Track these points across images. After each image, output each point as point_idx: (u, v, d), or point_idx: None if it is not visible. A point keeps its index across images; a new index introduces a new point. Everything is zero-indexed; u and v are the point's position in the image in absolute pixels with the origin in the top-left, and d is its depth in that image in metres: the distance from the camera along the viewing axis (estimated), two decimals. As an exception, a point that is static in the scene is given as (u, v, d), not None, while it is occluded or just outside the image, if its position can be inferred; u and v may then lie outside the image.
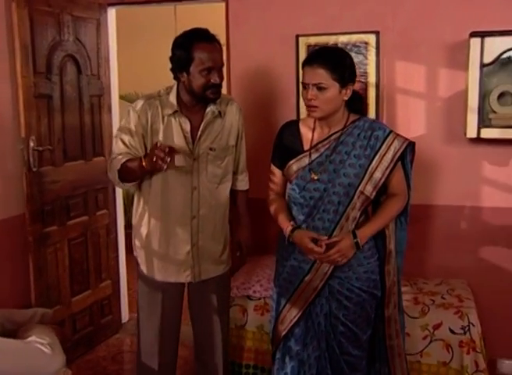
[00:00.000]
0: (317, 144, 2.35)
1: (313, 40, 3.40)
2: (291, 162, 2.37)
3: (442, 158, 3.32)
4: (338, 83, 2.25)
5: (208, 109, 2.58)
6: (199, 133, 2.57)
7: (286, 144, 2.41)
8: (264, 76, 3.55)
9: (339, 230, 2.32)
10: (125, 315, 4.22)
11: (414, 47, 3.29)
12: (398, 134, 2.35)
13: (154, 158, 2.26)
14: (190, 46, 2.43)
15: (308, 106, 2.27)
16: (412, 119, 3.36)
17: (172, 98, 2.55)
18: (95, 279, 3.82)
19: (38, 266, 3.33)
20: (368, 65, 3.35)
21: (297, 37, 3.41)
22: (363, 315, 2.40)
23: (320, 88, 2.22)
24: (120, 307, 4.14)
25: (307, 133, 2.38)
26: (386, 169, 2.31)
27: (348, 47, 3.35)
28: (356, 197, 2.30)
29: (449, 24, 3.21)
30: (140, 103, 2.56)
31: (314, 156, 2.33)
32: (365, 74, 3.36)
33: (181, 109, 2.55)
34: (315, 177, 2.31)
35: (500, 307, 3.32)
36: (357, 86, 3.35)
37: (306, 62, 2.28)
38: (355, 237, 2.30)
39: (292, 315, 2.44)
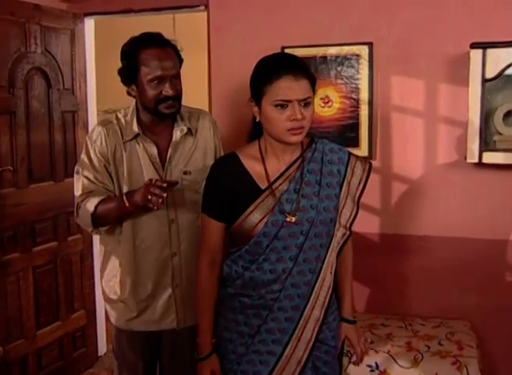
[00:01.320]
0: (278, 177, 1.84)
1: (299, 52, 3.07)
2: (251, 208, 1.80)
3: (441, 184, 2.97)
4: (313, 96, 1.82)
5: (176, 127, 2.24)
6: (168, 155, 2.23)
7: (230, 186, 1.84)
8: (248, 91, 3.23)
9: (321, 281, 1.85)
10: (102, 347, 3.91)
11: (412, 60, 2.96)
12: (356, 155, 1.97)
13: (149, 197, 1.95)
14: (136, 53, 2.11)
15: (293, 129, 1.74)
16: (409, 141, 3.01)
17: (132, 120, 2.22)
18: (66, 309, 3.53)
19: (-4, 298, 3.06)
20: (359, 80, 3.02)
21: (283, 49, 3.09)
22: None
23: (306, 104, 1.75)
24: (97, 338, 3.84)
25: (255, 167, 1.85)
26: (354, 196, 1.92)
27: (338, 60, 3.04)
28: (335, 235, 1.88)
29: (450, 34, 2.87)
30: (96, 131, 2.23)
31: (279, 193, 1.81)
32: (357, 90, 3.03)
33: (144, 131, 2.21)
34: (292, 220, 1.79)
35: (510, 354, 2.94)
36: (348, 103, 3.08)
37: (283, 72, 1.72)
38: (344, 319, 2.01)
39: None
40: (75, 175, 2.25)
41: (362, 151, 3.04)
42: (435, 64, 2.92)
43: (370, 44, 2.98)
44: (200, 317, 1.93)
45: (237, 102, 3.26)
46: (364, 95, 3.02)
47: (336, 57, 3.04)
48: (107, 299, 2.36)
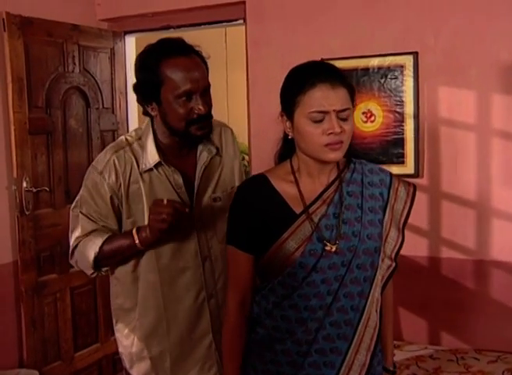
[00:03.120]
0: (314, 200, 1.61)
1: (340, 64, 2.85)
2: (285, 235, 1.57)
3: (496, 204, 2.72)
4: (353, 109, 1.58)
5: (202, 148, 1.89)
6: (196, 183, 1.88)
7: (260, 210, 1.61)
8: (287, 107, 3.10)
9: (365, 321, 1.59)
10: (144, 369, 3.84)
11: (461, 69, 2.75)
12: (398, 177, 1.73)
13: (163, 216, 1.67)
14: (157, 64, 1.75)
15: (331, 144, 1.53)
16: (460, 157, 2.79)
17: (150, 145, 1.84)
18: (105, 331, 3.47)
19: (32, 319, 3.03)
20: (404, 92, 2.83)
21: (322, 61, 2.94)
22: None
23: (345, 117, 1.54)
24: (138, 361, 3.76)
25: (288, 189, 1.62)
26: (399, 223, 1.68)
27: (381, 71, 2.86)
28: (379, 267, 1.63)
29: (503, 41, 2.66)
30: (103, 160, 1.85)
31: (316, 218, 1.59)
32: (401, 103, 2.84)
33: (165, 157, 1.85)
34: (333, 249, 1.56)
35: None
36: (392, 117, 2.88)
37: (318, 80, 1.52)
38: (387, 370, 1.74)
39: None
40: (71, 212, 1.88)
41: (408, 168, 2.84)
42: (487, 73, 2.70)
43: (415, 54, 2.79)
44: (228, 367, 1.68)
45: (276, 119, 3.12)
46: (409, 109, 2.83)
47: (379, 68, 2.86)
48: (128, 357, 1.97)
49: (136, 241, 1.76)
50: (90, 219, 1.83)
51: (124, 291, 1.93)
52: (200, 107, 1.76)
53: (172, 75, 1.74)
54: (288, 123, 1.59)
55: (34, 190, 2.98)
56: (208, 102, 1.80)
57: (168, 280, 1.87)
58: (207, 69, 1.83)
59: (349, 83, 1.57)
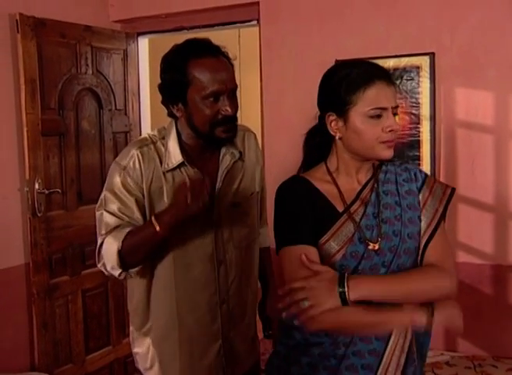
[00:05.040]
0: (354, 200, 1.59)
1: None
2: (327, 236, 1.53)
3: (515, 208, 2.66)
4: None
5: (224, 151, 1.87)
6: (217, 186, 1.85)
7: (309, 207, 1.57)
8: (301, 107, 3.05)
9: None
10: (156, 372, 3.81)
11: (479, 70, 2.69)
12: (435, 178, 1.70)
13: (189, 198, 1.61)
14: (185, 64, 1.73)
15: (389, 141, 1.51)
16: (477, 159, 2.73)
17: (174, 145, 1.82)
18: (117, 334, 3.45)
19: (43, 321, 3.01)
20: (420, 93, 2.79)
21: (337, 62, 2.88)
22: None
23: (396, 114, 1.53)
24: (150, 364, 3.74)
25: (327, 188, 1.60)
26: (432, 220, 1.60)
27: (396, 73, 2.82)
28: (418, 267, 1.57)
29: (522, 41, 2.59)
30: (128, 155, 1.81)
31: (357, 218, 1.56)
32: (417, 105, 2.79)
33: (188, 158, 1.82)
34: (375, 247, 1.54)
35: None
36: (407, 119, 2.84)
37: (376, 78, 1.51)
38: (341, 285, 1.46)
39: None
40: (96, 212, 1.85)
41: (424, 171, 2.78)
42: (505, 74, 2.65)
43: (431, 55, 2.75)
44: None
45: (290, 120, 3.09)
46: (425, 110, 2.78)
47: (394, 70, 2.82)
48: (141, 359, 1.95)
49: (157, 228, 1.68)
50: (113, 215, 1.79)
51: (139, 292, 1.90)
52: (228, 108, 1.74)
53: (199, 75, 1.72)
54: (335, 123, 1.54)
55: (46, 191, 2.97)
56: (234, 104, 1.77)
57: (182, 283, 1.85)
58: (233, 70, 1.81)
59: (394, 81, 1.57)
